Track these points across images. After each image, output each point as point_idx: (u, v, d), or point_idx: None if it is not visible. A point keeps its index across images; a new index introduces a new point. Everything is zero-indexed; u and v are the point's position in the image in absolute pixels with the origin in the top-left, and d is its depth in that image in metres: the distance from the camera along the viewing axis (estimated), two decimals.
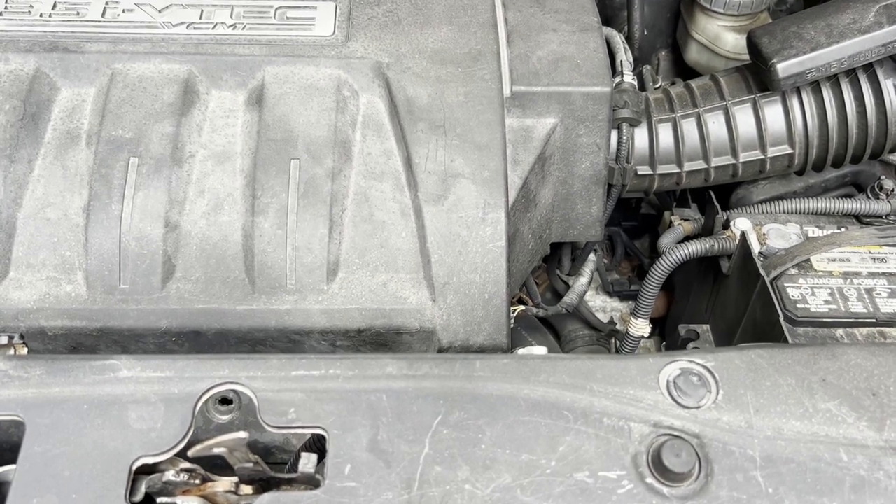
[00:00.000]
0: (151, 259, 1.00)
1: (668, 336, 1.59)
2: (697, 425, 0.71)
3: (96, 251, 0.99)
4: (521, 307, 1.39)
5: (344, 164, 1.05)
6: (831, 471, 0.69)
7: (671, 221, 1.38)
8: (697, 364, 0.75)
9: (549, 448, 0.69)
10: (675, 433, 0.70)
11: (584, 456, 0.69)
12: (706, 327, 1.32)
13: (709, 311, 1.34)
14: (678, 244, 1.23)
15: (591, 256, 1.41)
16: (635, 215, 1.67)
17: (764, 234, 1.20)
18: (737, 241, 1.20)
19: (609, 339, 1.52)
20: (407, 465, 0.68)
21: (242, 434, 0.67)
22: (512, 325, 1.26)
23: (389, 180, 1.05)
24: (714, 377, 0.74)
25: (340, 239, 1.02)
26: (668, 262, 1.21)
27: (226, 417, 0.92)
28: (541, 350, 0.80)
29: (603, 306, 1.63)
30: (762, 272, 1.12)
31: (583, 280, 1.42)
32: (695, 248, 1.21)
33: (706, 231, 1.30)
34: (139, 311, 0.99)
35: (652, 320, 1.35)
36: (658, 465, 0.68)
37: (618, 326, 1.55)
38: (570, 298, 1.41)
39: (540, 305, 1.40)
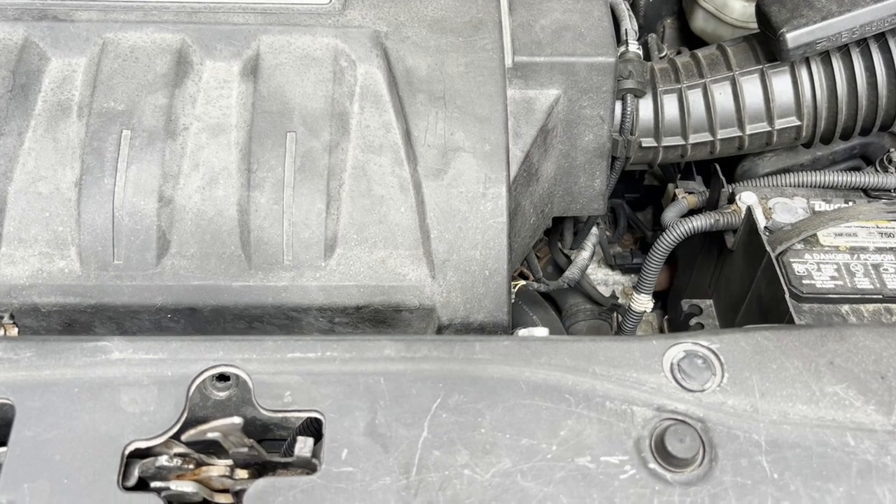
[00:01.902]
0: (145, 234, 0.98)
1: (670, 310, 1.57)
2: (702, 409, 0.70)
3: (89, 226, 0.98)
4: (522, 282, 1.37)
5: (341, 137, 1.02)
6: (838, 456, 0.68)
7: (675, 194, 1.36)
8: (702, 346, 0.73)
9: (550, 432, 0.68)
10: (679, 417, 0.69)
11: (586, 440, 0.68)
12: (709, 302, 1.31)
13: (712, 285, 1.32)
14: (682, 218, 1.21)
15: (594, 230, 1.39)
16: (638, 187, 1.65)
17: (770, 209, 1.17)
18: (742, 215, 1.18)
19: (611, 313, 1.50)
20: (405, 449, 0.67)
21: (237, 419, 0.65)
22: (512, 301, 1.24)
23: (388, 154, 1.03)
24: (719, 360, 0.72)
25: (338, 214, 1.00)
26: (671, 237, 1.19)
27: (223, 394, 0.91)
28: (542, 331, 0.78)
29: (605, 279, 1.61)
30: (768, 248, 1.10)
31: (584, 254, 1.39)
32: (699, 222, 1.18)
33: (711, 205, 1.28)
34: (134, 288, 0.97)
35: (654, 294, 1.33)
36: (661, 450, 0.67)
37: (620, 300, 1.53)
38: (571, 273, 1.39)
39: (541, 280, 1.38)
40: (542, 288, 1.38)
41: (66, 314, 0.98)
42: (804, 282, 1.07)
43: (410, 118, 1.04)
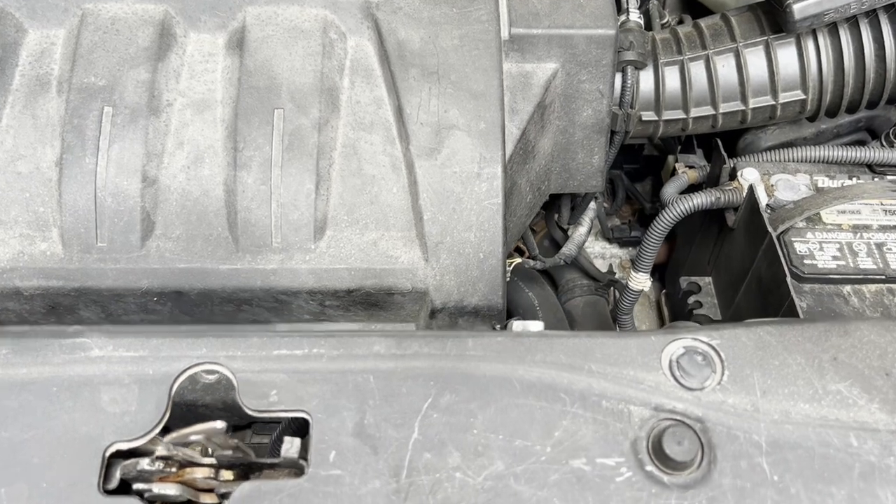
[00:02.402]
0: (129, 216, 0.95)
1: (668, 284, 1.55)
2: (701, 408, 0.68)
3: (71, 207, 0.94)
4: (518, 259, 1.34)
5: (331, 113, 0.99)
6: (840, 457, 0.66)
7: (675, 169, 1.33)
8: (702, 342, 0.71)
9: (544, 433, 0.66)
10: (678, 418, 0.67)
11: (581, 441, 0.66)
12: (708, 280, 1.29)
13: (712, 263, 1.29)
14: (682, 196, 1.18)
15: (591, 205, 1.36)
16: (638, 158, 1.61)
17: (772, 186, 1.14)
18: (744, 193, 1.15)
19: (607, 288, 1.48)
20: (395, 451, 0.65)
21: (219, 424, 0.63)
22: (508, 278, 1.22)
23: (379, 132, 0.99)
24: (719, 356, 0.70)
25: (328, 194, 0.97)
26: (670, 215, 1.16)
27: (212, 377, 0.89)
28: (537, 325, 0.75)
29: (602, 252, 1.59)
30: (769, 228, 1.07)
31: (582, 230, 1.37)
32: (699, 200, 1.15)
33: (712, 180, 1.25)
34: (118, 271, 0.95)
35: (653, 267, 1.31)
36: (659, 453, 0.65)
37: (617, 275, 1.51)
38: (568, 249, 1.36)
39: (537, 258, 1.36)
40: (538, 265, 1.36)
41: (48, 297, 0.95)
42: (806, 262, 1.05)
43: (403, 94, 1.01)
